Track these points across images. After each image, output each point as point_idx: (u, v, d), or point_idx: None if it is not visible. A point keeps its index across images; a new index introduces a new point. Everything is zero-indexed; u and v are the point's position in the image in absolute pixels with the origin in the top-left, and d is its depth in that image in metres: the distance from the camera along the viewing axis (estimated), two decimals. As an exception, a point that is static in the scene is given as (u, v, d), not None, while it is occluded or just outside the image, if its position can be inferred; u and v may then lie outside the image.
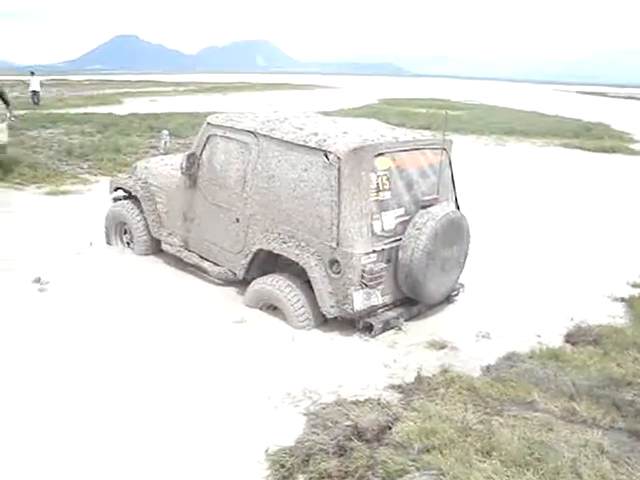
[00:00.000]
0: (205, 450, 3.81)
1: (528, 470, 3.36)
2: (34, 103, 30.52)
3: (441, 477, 3.28)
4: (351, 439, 3.75)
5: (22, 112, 23.92)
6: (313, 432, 3.88)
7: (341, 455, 3.65)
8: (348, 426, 3.87)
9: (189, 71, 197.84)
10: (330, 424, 3.94)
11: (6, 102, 11.46)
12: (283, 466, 3.59)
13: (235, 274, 6.22)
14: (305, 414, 4.17)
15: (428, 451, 3.55)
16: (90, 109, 27.89)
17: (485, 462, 3.44)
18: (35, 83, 32.01)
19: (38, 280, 6.63)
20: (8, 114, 11.74)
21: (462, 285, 6.31)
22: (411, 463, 3.45)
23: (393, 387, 4.54)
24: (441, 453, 3.49)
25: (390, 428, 3.86)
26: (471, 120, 24.88)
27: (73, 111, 26.04)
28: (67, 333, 5.40)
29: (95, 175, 13.02)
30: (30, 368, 4.75)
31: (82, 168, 13.68)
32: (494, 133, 21.83)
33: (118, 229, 7.80)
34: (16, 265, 7.06)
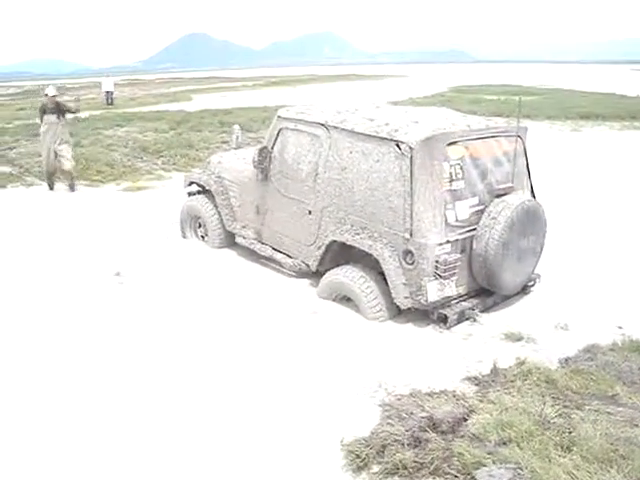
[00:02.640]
0: (281, 439, 3.87)
1: (612, 467, 3.25)
2: (108, 103, 31.60)
3: (519, 471, 3.23)
4: (426, 430, 3.73)
5: (98, 112, 24.84)
6: (388, 423, 3.89)
7: (416, 446, 3.64)
8: (423, 417, 3.86)
9: (257, 66, 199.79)
10: (405, 415, 3.94)
11: (70, 111, 11.90)
12: (358, 456, 3.61)
13: (308, 266, 6.28)
14: (380, 405, 4.17)
15: (505, 444, 3.50)
16: (162, 107, 28.60)
17: (565, 457, 3.36)
18: (108, 84, 33.17)
19: (118, 274, 6.88)
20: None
21: (539, 275, 6.15)
22: (488, 456, 3.40)
23: (468, 379, 4.48)
24: (519, 446, 3.44)
25: (466, 420, 3.82)
26: (545, 105, 24.10)
27: (146, 109, 26.75)
28: (146, 324, 5.60)
29: (169, 171, 13.40)
30: (113, 357, 4.95)
31: (156, 164, 14.08)
32: (570, 118, 21.11)
33: (193, 223, 8.00)
34: (98, 259, 7.35)
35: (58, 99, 11.80)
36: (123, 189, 11.84)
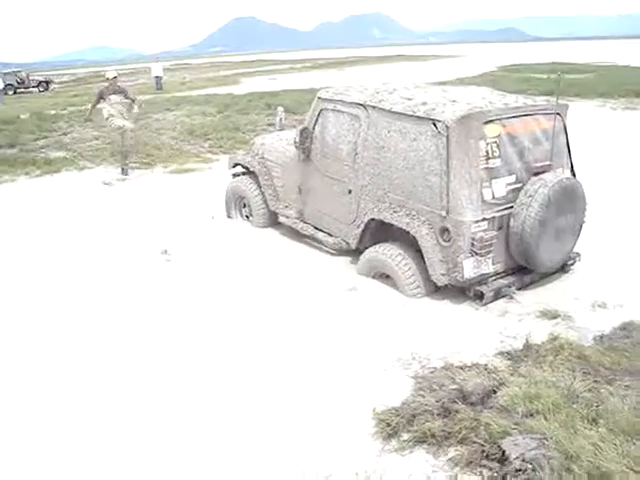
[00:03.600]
0: (316, 408, 4.04)
1: (638, 440, 3.30)
2: (157, 88, 32.14)
3: (544, 441, 3.30)
4: (456, 402, 3.84)
5: (147, 97, 25.33)
6: (419, 394, 4.02)
7: (445, 417, 3.76)
8: (454, 389, 3.97)
9: (305, 48, 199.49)
10: (436, 387, 4.06)
11: (129, 97, 12.25)
12: (389, 424, 3.75)
13: (348, 244, 6.41)
14: (413, 377, 4.30)
15: (532, 415, 3.58)
16: (210, 90, 28.92)
17: (591, 429, 3.42)
18: (157, 69, 33.70)
19: (165, 252, 7.15)
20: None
21: (578, 254, 6.13)
22: (514, 426, 3.49)
23: (502, 354, 4.56)
24: (545, 418, 3.51)
25: (495, 392, 3.91)
26: (598, 83, 23.36)
27: (195, 93, 27.13)
28: (192, 298, 5.85)
29: (216, 154, 13.63)
30: (161, 331, 5.21)
31: (203, 147, 14.36)
32: (624, 96, 20.46)
33: (237, 203, 8.21)
34: (146, 238, 7.64)
35: (119, 82, 12.15)
36: (170, 171, 12.15)
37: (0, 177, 11.90)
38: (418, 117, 5.44)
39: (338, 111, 6.39)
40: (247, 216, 8.15)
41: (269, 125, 16.24)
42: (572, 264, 6.12)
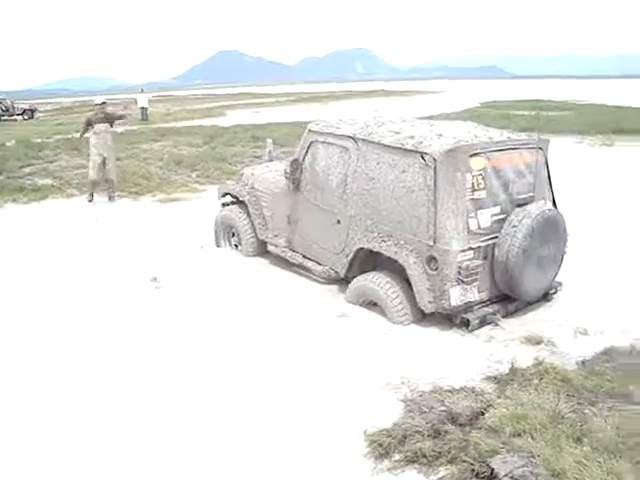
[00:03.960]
0: (307, 430, 4.14)
1: (620, 457, 3.44)
2: (142, 119, 32.41)
3: (531, 459, 3.44)
4: (445, 423, 3.97)
5: (134, 127, 25.56)
6: (409, 416, 4.14)
7: (435, 437, 3.88)
8: (443, 411, 4.10)
9: (289, 82, 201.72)
10: (426, 409, 4.18)
11: (120, 117, 12.48)
12: (381, 445, 3.86)
13: (337, 272, 6.55)
14: (402, 400, 4.42)
15: (519, 435, 3.71)
16: (196, 122, 29.27)
17: (576, 448, 3.57)
18: (143, 100, 34.08)
19: (155, 279, 7.24)
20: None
21: (560, 283, 6.32)
22: (502, 445, 3.63)
23: (488, 378, 4.69)
24: (532, 437, 3.65)
25: (483, 414, 4.05)
26: (577, 120, 24.00)
27: (180, 124, 27.44)
28: (181, 324, 5.94)
29: (203, 184, 13.81)
30: (150, 356, 5.28)
31: (190, 177, 14.55)
32: (601, 133, 21.00)
33: (226, 232, 8.35)
34: (135, 266, 7.72)
35: (107, 109, 12.30)
36: (159, 200, 12.28)
37: (-14, 203, 11.96)
38: (406, 150, 5.65)
39: (328, 143, 6.59)
40: (236, 245, 8.27)
41: (256, 157, 16.48)
42: (554, 293, 6.30)
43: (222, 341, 5.54)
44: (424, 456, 3.72)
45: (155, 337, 5.68)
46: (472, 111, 31.04)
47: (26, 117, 42.28)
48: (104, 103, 12.13)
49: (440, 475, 3.60)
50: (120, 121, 12.68)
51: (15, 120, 40.96)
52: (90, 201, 12.08)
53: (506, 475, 3.35)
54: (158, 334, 5.74)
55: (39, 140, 21.24)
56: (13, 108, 42.80)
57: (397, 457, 3.79)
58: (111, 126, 12.10)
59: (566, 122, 22.46)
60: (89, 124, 12.04)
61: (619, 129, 21.37)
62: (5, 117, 41.16)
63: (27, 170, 15.36)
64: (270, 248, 7.61)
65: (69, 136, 22.62)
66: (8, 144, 19.91)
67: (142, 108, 33.69)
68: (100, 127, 11.87)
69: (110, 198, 12.10)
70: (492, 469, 3.44)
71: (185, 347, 5.44)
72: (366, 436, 3.98)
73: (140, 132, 23.52)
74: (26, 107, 44.61)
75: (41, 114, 46.61)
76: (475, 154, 5.52)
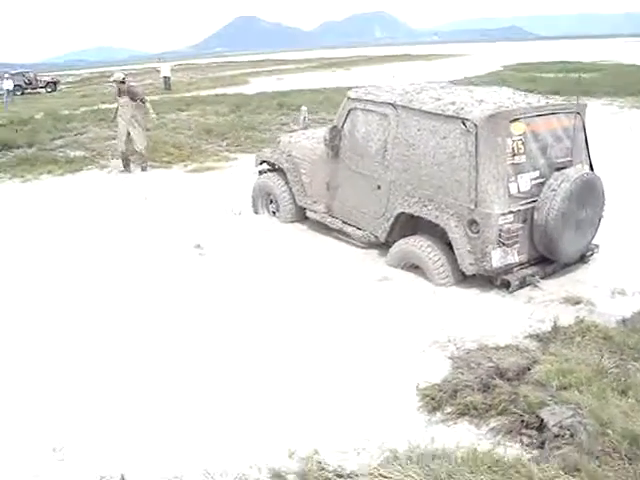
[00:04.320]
0: (363, 385, 4.37)
1: (665, 408, 3.62)
2: (166, 88, 32.49)
3: (579, 410, 3.63)
4: (493, 378, 4.17)
5: (157, 97, 25.68)
6: (458, 372, 4.34)
7: (484, 391, 4.09)
8: (490, 367, 4.30)
9: (308, 47, 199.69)
10: (474, 365, 4.38)
11: (137, 97, 12.58)
12: (433, 398, 4.09)
13: (377, 237, 6.73)
14: (450, 357, 4.63)
15: (565, 389, 3.90)
16: (220, 90, 29.27)
17: (621, 400, 3.75)
18: (166, 69, 34.09)
19: (198, 246, 7.48)
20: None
21: (597, 246, 6.45)
22: (550, 398, 3.81)
23: (531, 336, 4.88)
24: (578, 390, 3.84)
25: (529, 369, 4.24)
26: (605, 82, 23.61)
27: (204, 93, 27.47)
28: (227, 291, 6.18)
29: (233, 152, 13.94)
30: (201, 321, 5.54)
31: (221, 146, 14.66)
32: (631, 95, 20.70)
33: (264, 199, 8.53)
34: (178, 233, 7.97)
35: (128, 84, 12.35)
36: (191, 170, 12.47)
37: (24, 176, 12.24)
38: (447, 116, 5.77)
39: (367, 110, 6.71)
40: (274, 212, 8.46)
41: (283, 124, 16.62)
42: (591, 255, 6.44)
43: (269, 305, 5.77)
44: (475, 408, 3.93)
45: (204, 300, 5.94)
46: (496, 74, 30.66)
47: (49, 89, 42.65)
48: (123, 81, 12.14)
49: (491, 426, 3.81)
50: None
51: (38, 93, 41.36)
52: (122, 171, 12.34)
53: (555, 425, 3.55)
54: (206, 298, 6.00)
55: (66, 112, 21.42)
56: (36, 81, 43.17)
57: (449, 410, 4.01)
58: (133, 100, 12.12)
59: (594, 84, 22.13)
60: (118, 95, 12.20)
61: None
62: (29, 90, 41.54)
63: (58, 142, 15.53)
64: (309, 214, 7.79)
65: (95, 107, 22.89)
66: (37, 116, 20.15)
67: (165, 77, 33.73)
68: (121, 101, 12.01)
69: (142, 169, 12.31)
70: (541, 420, 3.64)
71: (233, 311, 5.68)
72: (418, 390, 4.20)
73: (165, 102, 23.60)
74: (49, 79, 44.95)
75: (63, 86, 46.84)
76: (515, 119, 5.63)
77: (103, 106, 23.73)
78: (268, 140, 14.11)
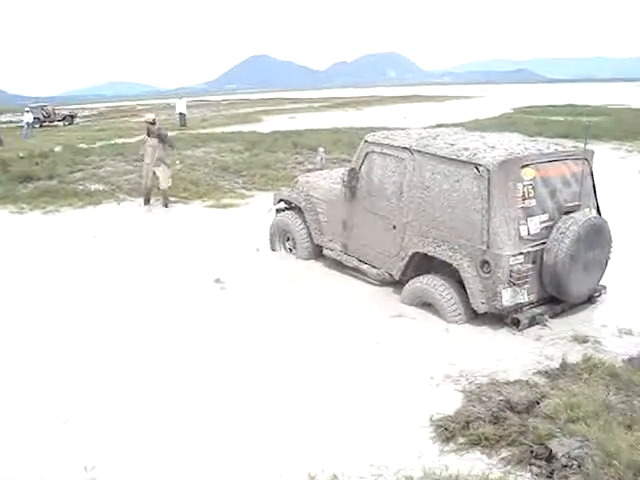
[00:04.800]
0: (378, 417, 4.59)
1: (668, 442, 3.83)
2: (181, 125, 33.01)
3: (586, 442, 3.84)
4: (504, 411, 4.40)
5: (173, 133, 26.22)
6: (470, 405, 4.57)
7: (495, 423, 4.31)
8: (501, 400, 4.52)
9: (319, 87, 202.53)
10: (485, 399, 4.61)
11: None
12: (446, 429, 4.31)
13: (392, 275, 7.00)
14: (462, 391, 4.86)
15: (573, 422, 4.10)
16: (234, 128, 29.75)
17: (627, 433, 3.95)
18: (181, 106, 34.67)
19: (218, 280, 7.76)
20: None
21: (604, 287, 6.68)
22: (558, 430, 4.03)
23: (540, 372, 5.10)
24: (585, 423, 4.04)
25: (538, 403, 4.46)
26: (613, 126, 23.99)
27: (218, 130, 27.95)
28: (249, 323, 6.46)
29: (249, 190, 14.27)
30: (223, 350, 5.82)
31: (237, 183, 15.02)
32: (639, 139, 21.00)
33: (282, 237, 8.84)
34: (198, 267, 8.26)
35: (157, 125, 12.77)
36: (209, 206, 12.80)
37: (45, 207, 12.61)
38: (461, 161, 6.09)
39: (384, 154, 7.04)
40: (290, 249, 8.75)
41: (298, 163, 16.96)
42: (599, 295, 6.67)
43: (289, 337, 6.04)
44: (486, 439, 4.14)
45: (227, 331, 6.23)
46: (506, 117, 31.15)
47: (66, 123, 43.28)
48: (153, 122, 12.60)
49: (502, 456, 4.02)
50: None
51: (56, 126, 41.97)
52: (147, 204, 12.73)
53: (564, 455, 3.76)
54: (229, 329, 6.29)
55: (84, 146, 21.91)
56: (54, 114, 43.90)
57: (461, 440, 4.22)
58: (161, 141, 12.53)
59: (603, 128, 22.50)
60: (147, 134, 12.64)
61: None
62: (46, 123, 42.20)
63: (77, 175, 15.90)
64: (326, 252, 8.07)
65: (112, 142, 23.45)
66: (56, 149, 20.61)
67: (180, 114, 34.32)
68: (150, 141, 12.45)
69: (165, 205, 12.66)
70: (550, 450, 3.85)
71: (255, 343, 5.95)
72: (432, 422, 4.43)
73: (181, 138, 24.05)
74: (66, 113, 45.85)
75: (79, 119, 47.73)
76: (526, 165, 5.95)
77: (120, 140, 24.37)
78: (283, 178, 14.48)
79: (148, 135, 12.54)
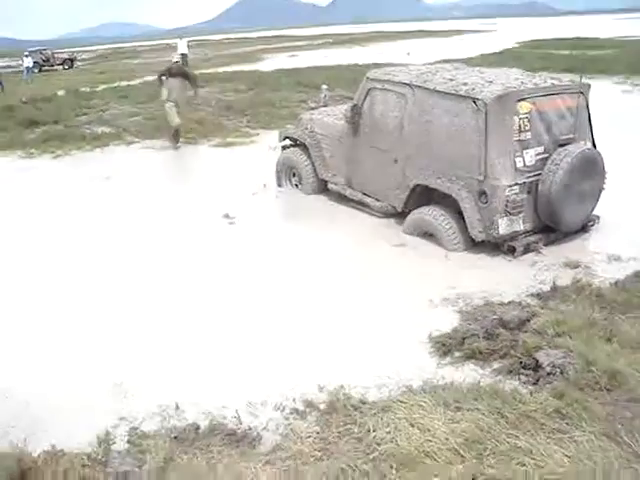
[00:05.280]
0: (382, 335, 4.98)
1: (642, 351, 4.21)
2: (183, 65, 32.71)
3: (569, 353, 4.22)
4: (497, 328, 4.76)
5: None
6: (466, 323, 4.96)
7: (489, 338, 4.68)
8: (495, 319, 4.89)
9: (322, 23, 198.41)
10: (480, 318, 4.98)
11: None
12: (444, 344, 4.70)
13: (394, 207, 7.32)
14: (459, 312, 5.25)
15: (559, 336, 4.49)
16: (235, 67, 29.64)
17: (606, 345, 4.34)
18: (183, 46, 34.23)
19: (227, 215, 8.08)
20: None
21: (597, 217, 6.98)
22: (545, 343, 4.42)
23: (532, 295, 5.47)
24: (570, 337, 4.43)
25: (529, 321, 4.84)
26: (620, 59, 23.76)
27: (220, 70, 27.85)
28: (259, 255, 6.81)
29: (254, 128, 14.47)
30: (225, 285, 6.13)
31: (241, 122, 15.18)
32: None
33: (288, 173, 9.13)
34: (207, 204, 8.59)
35: (183, 67, 13.08)
36: (215, 145, 13.06)
37: (54, 151, 12.86)
38: (460, 96, 6.31)
39: (386, 90, 7.25)
40: (296, 184, 9.05)
41: (301, 101, 17.05)
42: (592, 225, 6.98)
43: (298, 266, 6.42)
44: (480, 353, 4.53)
45: (238, 262, 6.60)
46: (511, 52, 30.87)
47: (66, 67, 42.53)
48: (178, 62, 12.89)
49: (494, 367, 4.40)
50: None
51: (55, 70, 41.33)
52: (175, 142, 12.82)
53: (549, 365, 4.14)
54: (240, 260, 6.66)
55: (87, 90, 21.91)
56: (53, 58, 42.99)
57: (457, 354, 4.61)
58: (184, 81, 12.64)
59: (610, 62, 22.30)
60: (165, 74, 12.60)
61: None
62: (46, 67, 41.50)
63: (83, 119, 16.08)
64: (330, 186, 8.37)
65: (114, 85, 23.47)
66: (59, 94, 20.65)
67: (182, 54, 33.91)
68: (174, 83, 12.43)
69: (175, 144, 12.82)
70: (537, 360, 4.24)
71: (265, 272, 6.33)
72: (430, 338, 4.81)
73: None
74: (66, 57, 44.86)
75: (79, 63, 47.05)
76: (522, 99, 6.17)
77: (123, 83, 24.36)
78: (287, 116, 14.64)
79: (170, 75, 12.49)
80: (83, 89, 21.89)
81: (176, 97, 12.48)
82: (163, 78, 12.63)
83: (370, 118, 7.49)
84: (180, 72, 12.66)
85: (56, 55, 44.27)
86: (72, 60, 44.51)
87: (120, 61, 47.53)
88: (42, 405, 4.19)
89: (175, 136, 12.83)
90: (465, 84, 6.40)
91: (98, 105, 17.98)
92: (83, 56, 59.87)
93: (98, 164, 11.69)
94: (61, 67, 42.55)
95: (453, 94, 6.39)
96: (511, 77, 6.65)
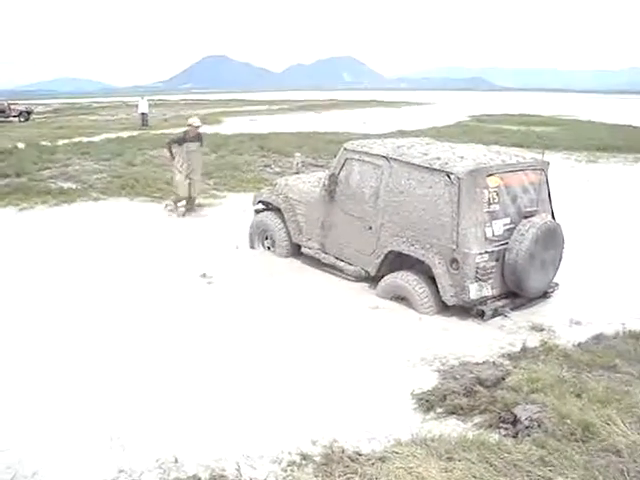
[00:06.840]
0: (366, 393, 5.25)
1: (610, 405, 4.61)
2: (143, 124, 32.97)
3: (544, 408, 4.59)
4: (475, 385, 5.11)
5: (135, 133, 26.34)
6: (445, 381, 5.30)
7: (468, 395, 5.02)
8: (472, 377, 5.24)
9: (277, 89, 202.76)
10: (458, 376, 5.32)
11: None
12: (427, 401, 5.02)
13: (367, 272, 7.69)
14: (437, 371, 5.59)
15: (534, 392, 4.86)
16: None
17: (577, 400, 4.73)
18: (144, 105, 34.53)
19: (204, 275, 8.30)
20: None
21: (557, 284, 7.52)
22: (521, 399, 4.78)
23: (503, 355, 5.87)
24: (544, 393, 4.81)
25: (504, 379, 5.21)
26: (563, 137, 25.26)
27: (179, 131, 28.07)
28: (236, 316, 7.01)
29: (222, 191, 14.72)
30: (213, 343, 6.35)
31: (209, 184, 15.35)
32: (587, 149, 22.20)
33: (261, 235, 9.45)
34: (185, 264, 8.81)
35: (200, 130, 12.43)
36: (184, 205, 13.21)
37: (19, 204, 12.81)
38: (435, 169, 6.82)
39: (362, 161, 7.73)
40: (269, 247, 9.36)
41: (265, 166, 17.56)
42: (552, 291, 7.51)
43: (277, 328, 6.63)
44: (461, 409, 4.86)
45: (218, 322, 6.80)
46: (463, 125, 32.35)
47: (22, 119, 41.52)
48: (199, 127, 12.21)
49: (475, 421, 4.73)
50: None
51: (10, 122, 40.21)
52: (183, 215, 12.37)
53: (527, 419, 4.50)
54: (217, 321, 6.85)
55: (48, 144, 21.87)
56: (9, 109, 41.92)
57: (440, 410, 4.92)
58: (202, 145, 12.47)
59: (555, 138, 23.77)
60: (180, 141, 12.11)
61: (603, 146, 22.60)
62: (1, 119, 40.29)
63: (46, 173, 16.04)
64: (304, 250, 8.71)
65: (75, 140, 23.53)
66: (19, 146, 20.52)
67: (142, 114, 34.32)
68: (191, 146, 12.04)
69: (188, 211, 12.49)
70: (515, 415, 4.59)
71: (245, 333, 6.50)
72: (413, 396, 5.12)
73: (145, 139, 24.24)
74: (22, 109, 43.80)
75: (34, 115, 46.15)
76: (491, 174, 6.73)
77: (83, 139, 24.43)
78: (253, 180, 15.13)
79: (190, 140, 12.02)
80: (44, 143, 21.87)
81: (194, 166, 12.17)
82: (175, 145, 12.07)
83: (346, 186, 7.92)
84: (197, 136, 12.21)
85: (12, 107, 43.11)
86: (29, 112, 43.35)
87: (76, 116, 47.31)
88: (39, 459, 4.29)
89: (188, 205, 12.46)
90: (439, 158, 6.92)
91: (61, 160, 17.95)
92: (38, 109, 59.55)
93: (64, 220, 11.74)
94: (17, 119, 41.58)
95: (428, 167, 6.89)
96: (480, 153, 7.23)
